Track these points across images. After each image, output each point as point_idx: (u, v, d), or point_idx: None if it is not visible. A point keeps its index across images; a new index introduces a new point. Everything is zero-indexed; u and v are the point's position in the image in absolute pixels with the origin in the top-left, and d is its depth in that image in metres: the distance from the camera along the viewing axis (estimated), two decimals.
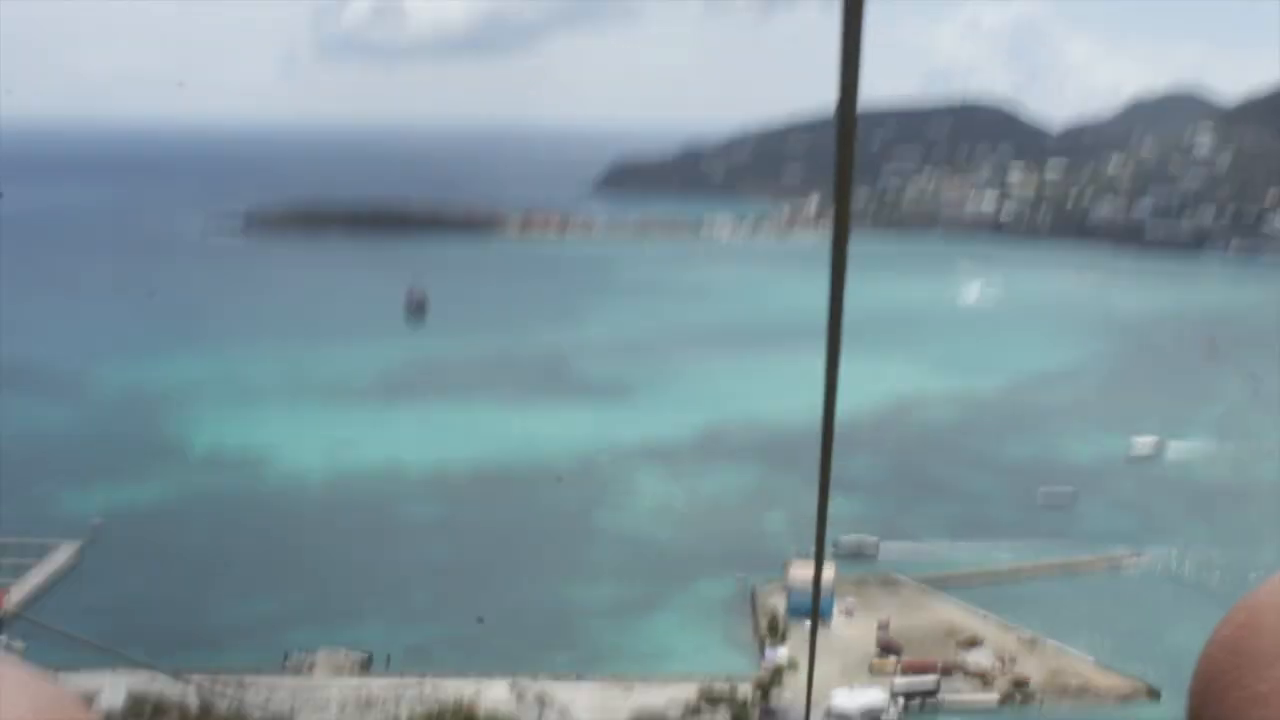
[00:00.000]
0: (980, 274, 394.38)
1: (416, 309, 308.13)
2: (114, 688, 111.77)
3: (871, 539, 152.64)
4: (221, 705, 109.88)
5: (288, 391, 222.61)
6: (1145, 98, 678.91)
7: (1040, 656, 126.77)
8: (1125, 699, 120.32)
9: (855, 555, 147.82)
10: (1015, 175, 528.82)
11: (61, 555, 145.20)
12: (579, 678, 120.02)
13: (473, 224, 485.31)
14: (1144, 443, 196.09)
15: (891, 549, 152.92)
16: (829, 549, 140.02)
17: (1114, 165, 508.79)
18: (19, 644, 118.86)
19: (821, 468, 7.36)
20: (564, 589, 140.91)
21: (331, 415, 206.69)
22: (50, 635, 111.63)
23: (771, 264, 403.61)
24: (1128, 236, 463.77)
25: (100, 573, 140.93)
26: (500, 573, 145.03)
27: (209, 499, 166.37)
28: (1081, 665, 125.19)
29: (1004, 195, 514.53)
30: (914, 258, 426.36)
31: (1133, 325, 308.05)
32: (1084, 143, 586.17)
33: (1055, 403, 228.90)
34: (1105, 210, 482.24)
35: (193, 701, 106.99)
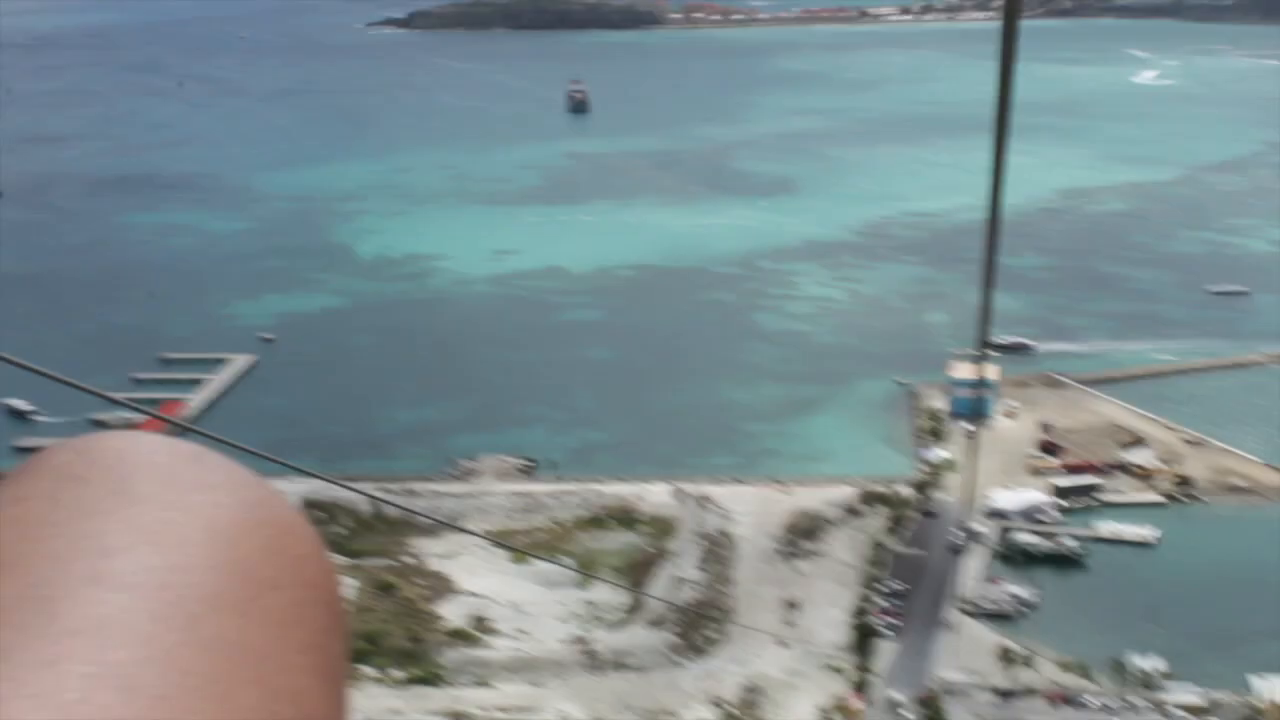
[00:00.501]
0: (1156, 57, 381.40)
1: (578, 105, 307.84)
2: (288, 493, 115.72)
3: (1028, 339, 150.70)
4: (390, 510, 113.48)
5: (451, 195, 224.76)
6: None
7: (1204, 455, 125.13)
8: None
9: (1012, 354, 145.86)
10: None
11: (235, 367, 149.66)
12: (738, 480, 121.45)
13: (634, 18, 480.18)
14: None
15: (1050, 348, 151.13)
16: (985, 348, 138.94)
17: None
18: None
19: (986, 260, 7.31)
20: (724, 390, 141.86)
21: (494, 218, 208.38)
22: (225, 446, 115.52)
23: (939, 49, 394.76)
24: None
25: (271, 383, 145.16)
26: (661, 374, 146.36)
27: (375, 307, 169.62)
28: (1247, 464, 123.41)
29: None
30: (1088, 40, 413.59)
31: None
32: None
33: (1229, 193, 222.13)
34: None
35: (363, 507, 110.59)
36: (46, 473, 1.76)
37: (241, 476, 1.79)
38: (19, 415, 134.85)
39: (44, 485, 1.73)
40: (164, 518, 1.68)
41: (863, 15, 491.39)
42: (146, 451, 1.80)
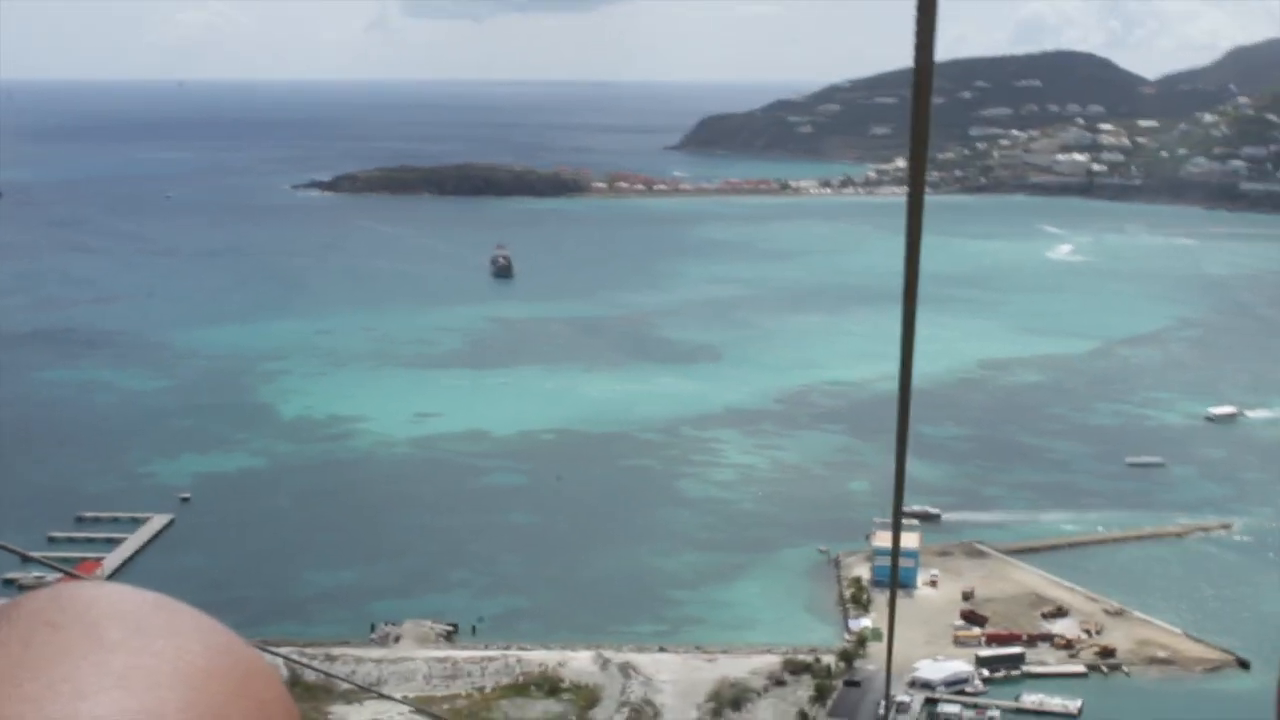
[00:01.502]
0: (1069, 233, 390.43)
1: (502, 270, 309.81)
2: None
3: (934, 509, 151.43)
4: (309, 676, 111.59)
5: (374, 357, 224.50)
6: (1244, 47, 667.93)
7: (1126, 626, 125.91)
8: (1213, 669, 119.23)
9: (921, 522, 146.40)
10: (1107, 131, 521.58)
11: (152, 527, 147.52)
12: (662, 649, 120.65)
13: (559, 186, 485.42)
14: (1221, 412, 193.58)
15: (957, 518, 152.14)
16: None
17: (1209, 120, 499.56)
18: None
19: (899, 433, 7.38)
20: (647, 557, 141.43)
21: (416, 381, 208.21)
22: None
23: (858, 222, 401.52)
24: (1221, 194, 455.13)
25: (190, 543, 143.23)
26: (584, 540, 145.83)
27: (296, 468, 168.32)
28: (1169, 635, 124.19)
29: (1095, 152, 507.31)
30: (1002, 216, 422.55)
31: (1223, 286, 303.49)
32: (1179, 95, 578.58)
33: (1143, 367, 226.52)
34: (1199, 167, 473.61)
35: (281, 673, 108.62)
36: (19, 619, 1.82)
37: (207, 624, 1.87)
38: None
39: (18, 631, 1.78)
40: (134, 662, 1.73)
41: (784, 188, 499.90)
42: (115, 599, 1.86)
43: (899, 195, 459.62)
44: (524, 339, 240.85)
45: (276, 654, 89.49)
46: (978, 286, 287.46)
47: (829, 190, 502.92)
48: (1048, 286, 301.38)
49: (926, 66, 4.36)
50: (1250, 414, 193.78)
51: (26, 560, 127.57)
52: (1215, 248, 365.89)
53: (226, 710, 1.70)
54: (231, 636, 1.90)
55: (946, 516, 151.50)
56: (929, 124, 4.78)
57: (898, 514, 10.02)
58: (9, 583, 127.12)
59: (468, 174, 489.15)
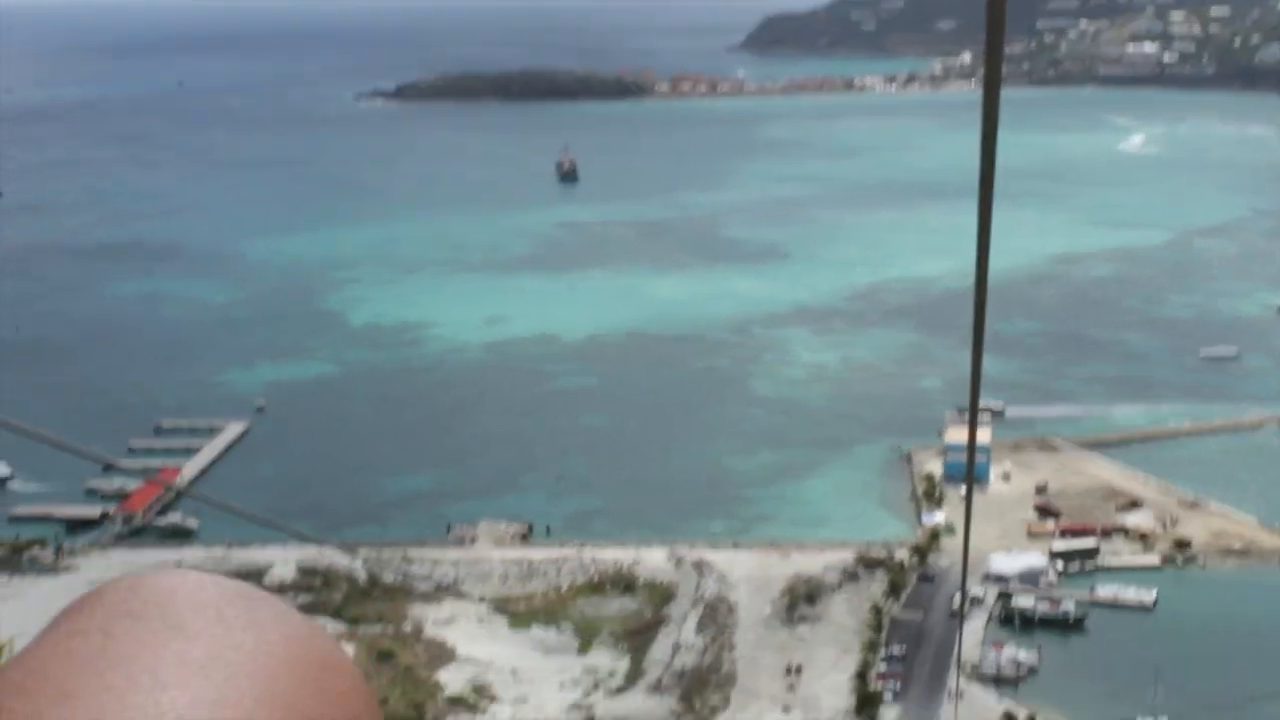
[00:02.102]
0: (1140, 125, 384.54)
1: (567, 174, 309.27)
2: (284, 561, 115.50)
3: (997, 403, 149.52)
4: (388, 576, 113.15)
5: (443, 263, 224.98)
6: None
7: (1201, 518, 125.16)
8: None
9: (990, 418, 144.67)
10: (1177, 19, 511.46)
11: (229, 434, 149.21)
12: (735, 545, 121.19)
13: (622, 89, 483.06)
14: None
15: (1020, 413, 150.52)
16: (961, 412, 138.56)
17: None
18: (194, 521, 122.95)
19: (975, 327, 7.37)
20: (719, 456, 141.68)
21: (486, 286, 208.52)
22: (221, 512, 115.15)
23: (924, 118, 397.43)
24: None
25: (267, 450, 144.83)
26: (656, 440, 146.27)
27: (369, 375, 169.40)
28: (1244, 526, 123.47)
29: (1165, 41, 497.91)
30: (1071, 109, 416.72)
31: None
32: None
33: (1217, 258, 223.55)
34: (1272, 54, 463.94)
35: (360, 573, 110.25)
36: (100, 608, 1.84)
37: (287, 614, 1.86)
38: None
39: (98, 620, 1.80)
40: (214, 653, 1.74)
41: (848, 86, 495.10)
42: (196, 589, 1.86)
43: (965, 91, 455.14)
44: (591, 242, 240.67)
45: (356, 554, 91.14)
46: (1049, 180, 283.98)
47: (894, 87, 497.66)
48: (1119, 179, 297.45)
49: None
50: None
51: (108, 468, 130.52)
52: None
53: (305, 701, 1.72)
54: (312, 627, 1.88)
55: (1011, 411, 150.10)
56: (1005, 15, 4.61)
57: (974, 409, 9.88)
58: (92, 492, 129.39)
59: (531, 79, 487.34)
